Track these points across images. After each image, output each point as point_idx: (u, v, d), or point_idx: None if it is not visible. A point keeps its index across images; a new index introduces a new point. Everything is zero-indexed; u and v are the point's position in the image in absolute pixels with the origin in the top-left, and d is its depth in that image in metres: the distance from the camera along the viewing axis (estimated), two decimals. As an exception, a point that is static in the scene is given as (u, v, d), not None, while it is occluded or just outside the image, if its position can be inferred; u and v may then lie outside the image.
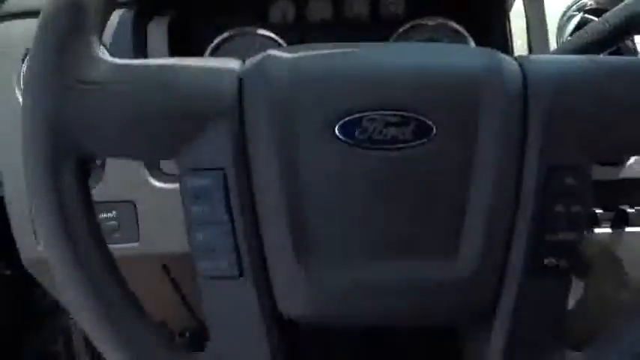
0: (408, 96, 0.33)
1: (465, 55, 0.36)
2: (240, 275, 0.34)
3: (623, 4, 0.45)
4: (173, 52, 0.62)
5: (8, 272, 0.86)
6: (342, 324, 0.38)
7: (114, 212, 0.57)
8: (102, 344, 0.34)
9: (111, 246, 0.58)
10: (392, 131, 0.33)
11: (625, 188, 0.57)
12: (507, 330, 0.34)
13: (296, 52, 0.36)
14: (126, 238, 0.56)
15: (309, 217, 0.34)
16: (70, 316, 0.94)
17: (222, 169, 0.34)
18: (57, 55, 0.32)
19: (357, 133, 0.33)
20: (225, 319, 0.35)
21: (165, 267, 0.61)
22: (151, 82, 0.34)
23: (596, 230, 0.56)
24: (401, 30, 0.64)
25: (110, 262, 0.35)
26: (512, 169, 0.33)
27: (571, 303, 0.46)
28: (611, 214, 0.56)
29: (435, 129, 0.33)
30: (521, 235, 0.34)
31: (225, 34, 0.65)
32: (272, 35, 0.66)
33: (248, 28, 0.65)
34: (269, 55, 0.35)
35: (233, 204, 0.34)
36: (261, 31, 0.65)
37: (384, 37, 0.65)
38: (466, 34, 0.63)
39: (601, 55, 0.36)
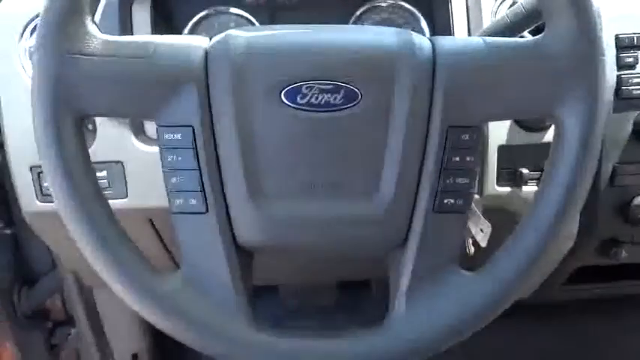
0: (339, 68, 0.41)
1: (385, 34, 0.44)
2: (206, 211, 0.43)
3: None
4: (155, 30, 0.68)
5: (8, 232, 0.93)
6: (285, 250, 0.46)
7: (105, 172, 0.63)
8: (100, 268, 0.42)
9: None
10: (326, 97, 0.41)
11: (548, 151, 0.64)
12: (415, 257, 0.43)
13: (252, 31, 0.44)
14: (116, 195, 0.62)
15: (259, 164, 0.42)
16: (65, 274, 1.01)
17: (191, 125, 0.42)
18: (58, 32, 0.40)
19: (298, 98, 0.41)
20: (193, 248, 0.44)
21: (150, 221, 0.69)
22: (134, 55, 0.42)
23: (524, 188, 0.64)
24: (358, 12, 0.71)
25: (106, 203, 0.43)
26: (420, 128, 0.42)
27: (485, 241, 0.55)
28: (536, 174, 0.63)
29: (360, 95, 0.41)
30: (427, 180, 0.43)
31: (202, 14, 0.71)
32: (244, 14, 0.72)
33: (222, 8, 0.72)
34: (230, 33, 0.43)
35: (200, 154, 0.42)
36: (234, 10, 0.72)
37: (345, 17, 0.71)
38: (417, 13, 0.70)
39: (497, 38, 0.44)
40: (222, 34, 0.44)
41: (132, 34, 0.68)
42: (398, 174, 0.42)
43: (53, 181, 0.41)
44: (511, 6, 0.63)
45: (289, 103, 0.41)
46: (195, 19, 0.72)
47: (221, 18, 0.73)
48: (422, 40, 0.43)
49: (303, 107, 0.41)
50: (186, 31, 0.73)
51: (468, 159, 0.43)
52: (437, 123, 0.42)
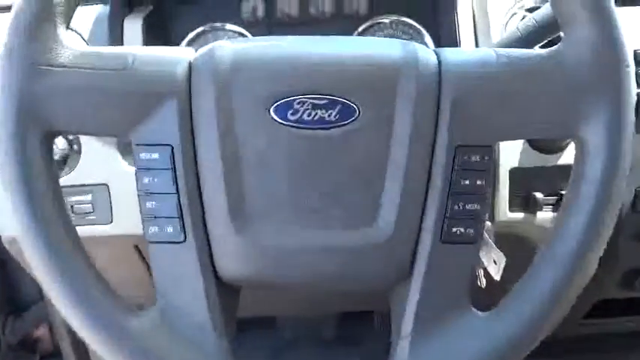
0: (334, 82, 0.37)
1: (386, 46, 0.40)
2: (184, 240, 0.38)
3: (548, 2, 0.49)
4: (149, 45, 0.66)
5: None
6: (272, 285, 0.41)
7: (89, 195, 0.60)
8: (63, 307, 0.37)
9: (86, 227, 0.62)
10: (320, 113, 0.37)
11: (565, 174, 0.60)
12: (420, 293, 0.38)
13: (240, 42, 0.40)
14: (100, 220, 0.60)
15: (245, 188, 0.38)
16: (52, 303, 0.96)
17: (169, 144, 0.38)
18: (26, 42, 0.36)
19: (289, 115, 0.37)
20: (169, 281, 0.39)
21: (137, 247, 0.65)
22: (111, 66, 0.38)
23: (539, 214, 0.60)
24: (361, 28, 0.68)
25: (72, 232, 0.38)
26: (425, 148, 0.38)
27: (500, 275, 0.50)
28: (552, 199, 0.59)
29: (358, 111, 0.37)
30: (432, 206, 0.38)
31: (197, 30, 0.69)
32: (241, 30, 0.70)
33: (218, 24, 0.69)
34: (217, 44, 0.40)
35: (178, 175, 0.38)
36: (231, 27, 0.69)
37: (345, 33, 0.69)
38: (422, 29, 0.67)
39: (508, 49, 0.40)
40: (208, 46, 0.40)
41: None
42: (400, 199, 0.38)
43: (13, 202, 0.36)
44: (522, 20, 0.60)
45: (279, 120, 0.37)
46: (190, 36, 0.70)
47: (217, 34, 0.70)
48: (426, 52, 0.39)
49: (295, 124, 0.37)
50: None
51: (478, 183, 0.38)
52: (443, 142, 0.38)
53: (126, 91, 0.38)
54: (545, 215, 0.60)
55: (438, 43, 0.67)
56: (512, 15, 0.61)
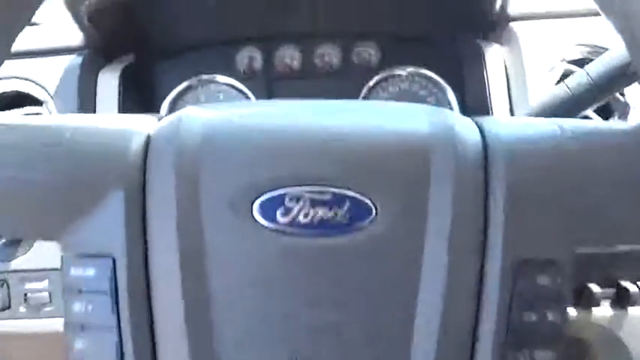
0: (341, 168, 0.27)
1: (411, 116, 0.29)
2: None
3: (606, 53, 0.40)
4: (124, 106, 0.58)
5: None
6: None
7: (45, 282, 0.52)
8: None
9: (41, 320, 0.52)
10: (321, 213, 0.26)
11: (625, 262, 0.50)
12: None
13: (215, 110, 0.30)
14: (58, 312, 0.51)
15: (214, 323, 0.27)
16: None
17: (111, 256, 0.27)
18: None
19: (278, 215, 0.27)
20: None
21: None
22: (37, 142, 0.28)
23: (595, 310, 0.50)
24: (372, 82, 0.61)
25: None
26: (470, 265, 0.26)
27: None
28: (610, 292, 0.50)
29: (375, 210, 0.27)
30: (484, 354, 0.26)
31: (183, 85, 0.61)
32: (236, 84, 0.61)
33: (207, 76, 0.61)
34: (185, 113, 0.30)
35: (121, 302, 0.27)
36: (223, 79, 0.61)
37: (355, 89, 0.61)
38: (443, 82, 0.59)
39: (569, 119, 0.30)
40: (174, 114, 0.30)
41: (94, 111, 0.56)
42: (437, 343, 0.26)
43: None
44: (563, 76, 0.50)
45: (265, 223, 0.27)
46: (174, 92, 0.61)
47: (208, 88, 0.62)
48: (464, 123, 0.29)
49: (287, 229, 0.27)
50: (164, 107, 0.61)
51: (550, 317, 0.27)
52: (497, 256, 0.27)
53: (54, 178, 0.27)
54: (602, 312, 0.51)
55: (462, 100, 0.58)
56: (552, 69, 0.51)
